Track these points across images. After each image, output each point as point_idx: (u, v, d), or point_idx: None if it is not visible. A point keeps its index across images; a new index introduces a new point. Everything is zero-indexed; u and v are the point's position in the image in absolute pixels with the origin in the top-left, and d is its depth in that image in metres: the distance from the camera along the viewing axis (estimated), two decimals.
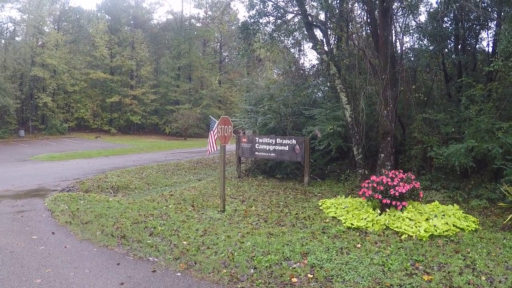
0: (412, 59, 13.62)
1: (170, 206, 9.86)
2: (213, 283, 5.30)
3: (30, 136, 38.56)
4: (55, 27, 45.15)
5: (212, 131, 9.16)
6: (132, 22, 51.77)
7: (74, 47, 45.69)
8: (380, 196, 8.28)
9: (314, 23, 14.06)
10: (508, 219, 7.76)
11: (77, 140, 38.22)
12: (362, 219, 8.02)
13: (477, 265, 5.72)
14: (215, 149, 9.52)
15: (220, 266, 5.78)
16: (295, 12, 14.28)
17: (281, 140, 13.53)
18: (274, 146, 13.65)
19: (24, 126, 40.02)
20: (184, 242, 6.88)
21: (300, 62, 18.23)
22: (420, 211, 8.16)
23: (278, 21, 14.44)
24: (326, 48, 13.42)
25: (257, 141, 14.13)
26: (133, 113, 46.95)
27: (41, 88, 40.91)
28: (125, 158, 23.48)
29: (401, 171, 8.87)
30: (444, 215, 7.94)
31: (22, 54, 39.49)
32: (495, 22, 11.76)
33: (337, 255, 6.19)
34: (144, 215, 8.87)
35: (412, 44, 14.43)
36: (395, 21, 11.81)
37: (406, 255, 6.15)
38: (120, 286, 5.20)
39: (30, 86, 40.61)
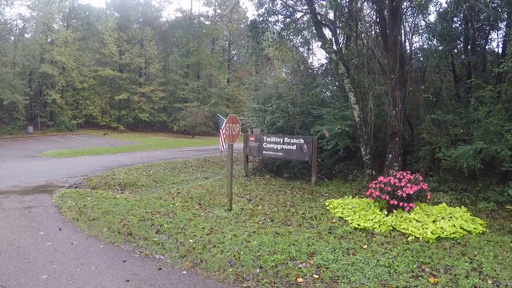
0: (421, 59, 13.54)
1: (177, 204, 9.89)
2: (218, 281, 5.31)
3: (39, 132, 38.81)
4: (64, 24, 45.43)
5: (221, 129, 9.19)
6: (141, 19, 51.88)
7: (83, 44, 45.94)
8: (387, 197, 8.23)
9: (323, 22, 14.02)
10: None
11: (85, 137, 38.44)
12: (369, 220, 7.99)
13: (484, 269, 5.68)
14: (224, 148, 9.55)
15: (226, 265, 5.79)
16: (304, 11, 14.26)
17: (289, 140, 13.51)
18: (281, 145, 13.62)
19: (32, 123, 40.27)
20: (191, 240, 6.90)
21: (309, 61, 18.23)
22: (427, 213, 8.10)
23: (287, 19, 14.44)
24: (335, 47, 13.38)
25: (265, 140, 14.11)
26: (141, 110, 47.08)
27: (50, 84, 41.18)
28: (133, 155, 23.58)
29: (409, 172, 8.81)
30: (451, 217, 7.89)
31: (31, 51, 39.77)
32: (505, 22, 11.68)
33: (343, 255, 6.17)
34: (151, 212, 8.91)
35: (421, 44, 14.41)
36: (404, 20, 11.74)
37: (412, 257, 6.12)
38: (126, 283, 5.22)
39: (39, 83, 40.91)
